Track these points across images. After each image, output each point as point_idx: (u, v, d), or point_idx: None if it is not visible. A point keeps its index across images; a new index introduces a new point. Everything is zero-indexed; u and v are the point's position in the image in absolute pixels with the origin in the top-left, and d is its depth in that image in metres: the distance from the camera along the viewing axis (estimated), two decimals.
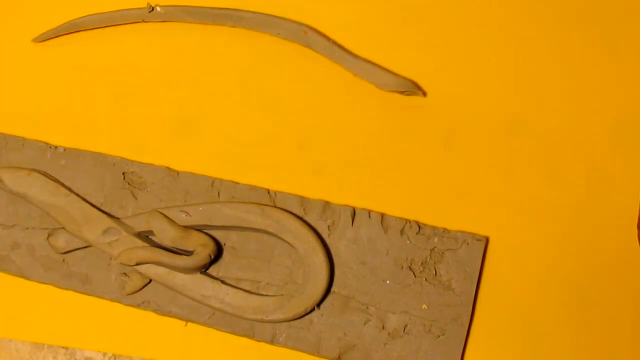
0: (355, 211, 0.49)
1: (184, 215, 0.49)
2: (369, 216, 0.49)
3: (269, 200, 0.50)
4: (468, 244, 0.48)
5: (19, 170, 0.51)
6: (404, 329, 0.48)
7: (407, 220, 0.49)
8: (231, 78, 0.52)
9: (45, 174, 0.51)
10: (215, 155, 0.51)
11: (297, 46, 0.52)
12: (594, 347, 0.47)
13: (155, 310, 0.49)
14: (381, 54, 0.51)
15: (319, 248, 0.48)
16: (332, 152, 0.51)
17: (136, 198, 0.50)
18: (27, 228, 0.51)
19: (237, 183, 0.50)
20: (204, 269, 0.49)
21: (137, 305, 0.49)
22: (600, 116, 0.50)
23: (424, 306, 0.48)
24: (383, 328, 0.48)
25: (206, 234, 0.49)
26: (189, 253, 0.49)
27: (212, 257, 0.48)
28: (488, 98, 0.50)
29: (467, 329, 0.47)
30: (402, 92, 0.50)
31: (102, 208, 0.50)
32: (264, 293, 0.49)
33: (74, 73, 0.53)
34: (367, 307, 0.48)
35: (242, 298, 0.48)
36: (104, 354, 0.50)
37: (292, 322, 0.48)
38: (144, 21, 0.53)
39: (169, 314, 0.49)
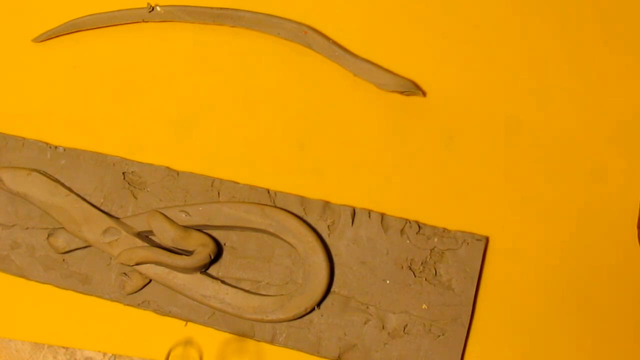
0: (355, 211, 0.49)
1: (184, 215, 0.49)
2: (369, 216, 0.49)
3: (269, 200, 0.50)
4: (468, 244, 0.48)
5: (19, 170, 0.51)
6: (404, 328, 0.48)
7: (407, 220, 0.49)
8: (231, 78, 0.52)
9: (45, 174, 0.51)
10: (215, 155, 0.51)
11: (297, 46, 0.52)
12: (594, 347, 0.47)
13: (155, 310, 0.49)
14: (381, 54, 0.51)
15: (319, 248, 0.48)
16: (332, 152, 0.51)
17: (136, 198, 0.50)
18: (27, 228, 0.51)
19: (237, 183, 0.50)
20: (204, 269, 0.49)
21: (137, 305, 0.49)
22: (600, 116, 0.50)
23: (424, 306, 0.48)
24: (383, 328, 0.48)
25: (206, 234, 0.49)
26: (189, 253, 0.49)
27: (212, 257, 0.48)
28: (488, 98, 0.50)
29: (467, 329, 0.47)
30: (402, 92, 0.50)
31: (102, 208, 0.50)
32: (264, 293, 0.49)
33: (74, 73, 0.53)
34: (367, 307, 0.48)
35: (242, 298, 0.48)
36: (104, 354, 0.50)
37: (292, 322, 0.48)
38: (144, 21, 0.53)
39: (169, 314, 0.49)
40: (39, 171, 0.51)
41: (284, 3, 0.52)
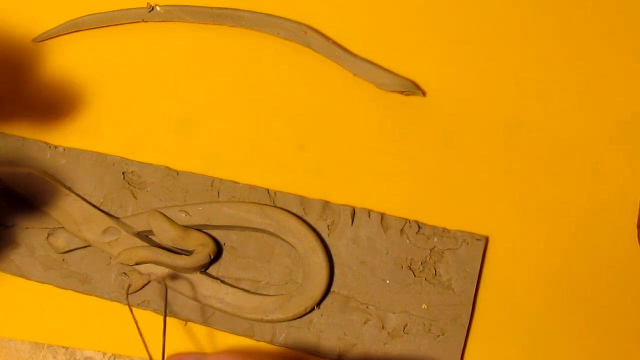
0: (355, 211, 0.49)
1: (184, 215, 0.49)
2: (369, 216, 0.49)
3: (269, 200, 0.50)
4: (468, 244, 0.48)
5: (19, 170, 0.51)
6: (404, 328, 0.48)
7: (407, 220, 0.49)
8: (231, 78, 0.52)
9: (45, 174, 0.51)
10: (215, 155, 0.51)
11: (297, 46, 0.52)
12: (594, 347, 0.47)
13: (155, 310, 0.49)
14: (381, 54, 0.51)
15: (319, 248, 0.48)
16: (332, 152, 0.51)
17: (136, 198, 0.50)
18: (27, 228, 0.51)
19: (237, 183, 0.50)
20: (204, 269, 0.49)
21: (137, 305, 0.49)
22: (601, 116, 0.50)
23: (424, 306, 0.48)
24: (383, 328, 0.48)
25: (206, 234, 0.49)
26: (189, 253, 0.49)
27: (212, 257, 0.48)
28: (488, 98, 0.50)
29: (467, 329, 0.47)
30: (402, 92, 0.50)
31: (102, 208, 0.50)
32: (264, 293, 0.49)
33: (74, 73, 0.53)
34: (367, 307, 0.48)
35: (242, 298, 0.48)
36: (104, 354, 0.50)
37: (292, 322, 0.48)
38: (144, 21, 0.53)
39: (169, 314, 0.49)
40: (39, 171, 0.51)
41: (284, 3, 0.52)
